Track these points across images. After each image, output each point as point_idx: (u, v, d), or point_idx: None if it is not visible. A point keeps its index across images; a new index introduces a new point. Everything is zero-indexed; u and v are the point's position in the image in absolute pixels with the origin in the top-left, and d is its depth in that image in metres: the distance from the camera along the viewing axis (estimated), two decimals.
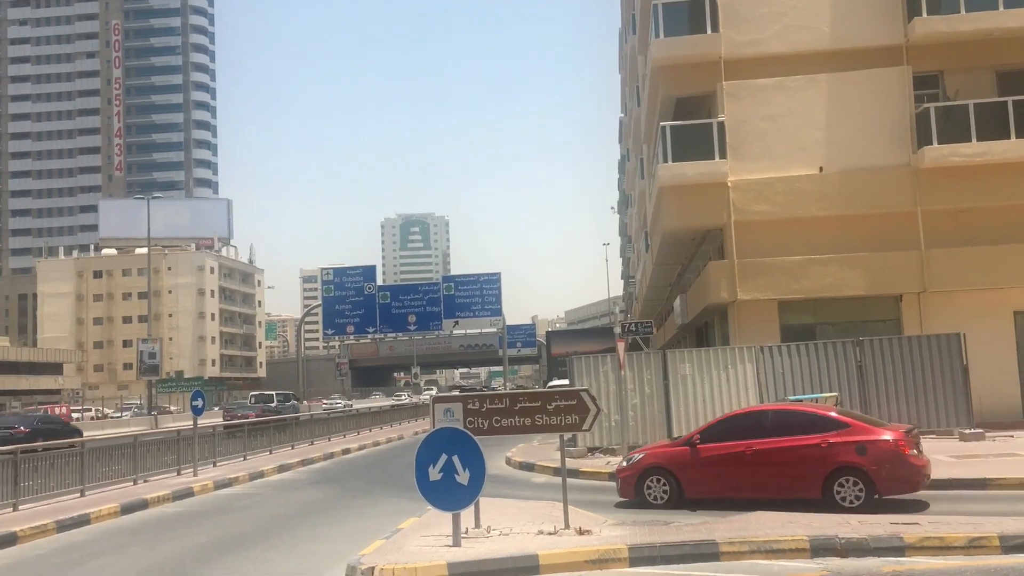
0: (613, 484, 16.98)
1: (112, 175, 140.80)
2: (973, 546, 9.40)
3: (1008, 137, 23.49)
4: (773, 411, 13.81)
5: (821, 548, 9.61)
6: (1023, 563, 8.81)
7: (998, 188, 23.76)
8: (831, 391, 18.93)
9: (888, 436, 12.51)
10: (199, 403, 21.58)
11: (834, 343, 21.24)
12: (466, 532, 10.61)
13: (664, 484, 13.41)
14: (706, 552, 9.67)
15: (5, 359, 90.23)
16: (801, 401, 16.54)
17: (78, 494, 17.23)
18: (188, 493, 17.96)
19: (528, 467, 20.33)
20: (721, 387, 20.68)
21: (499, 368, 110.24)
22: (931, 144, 23.66)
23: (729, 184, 24.60)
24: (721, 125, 24.63)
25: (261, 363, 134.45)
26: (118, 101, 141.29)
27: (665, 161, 24.77)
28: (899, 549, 9.47)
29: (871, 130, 24.52)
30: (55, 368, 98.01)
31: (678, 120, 26.56)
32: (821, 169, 24.55)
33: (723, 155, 24.44)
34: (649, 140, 32.24)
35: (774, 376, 20.78)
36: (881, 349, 20.86)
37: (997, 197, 23.87)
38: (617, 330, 26.26)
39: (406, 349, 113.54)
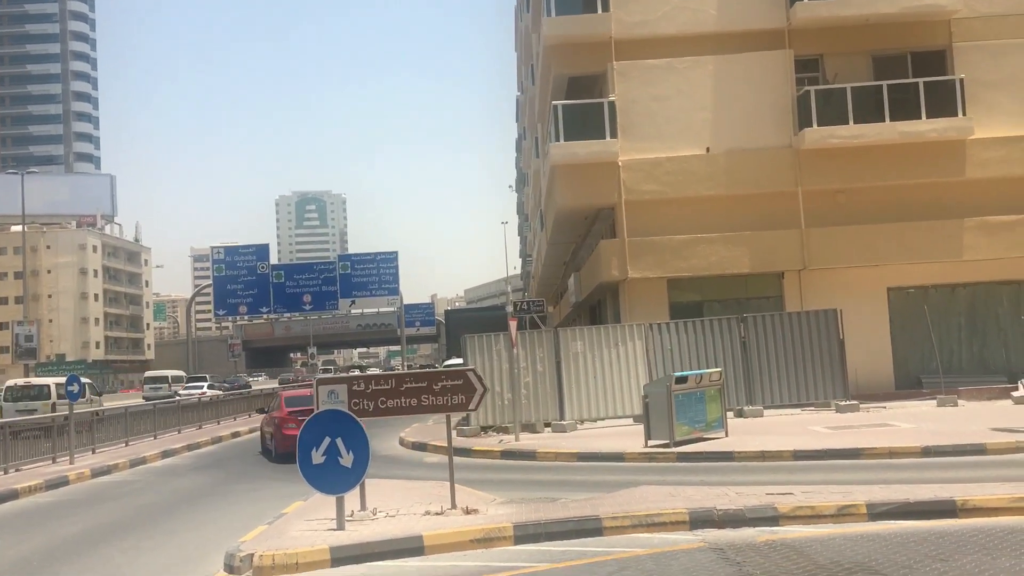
0: (505, 462, 17.15)
1: None
2: (842, 514, 9.77)
3: (883, 120, 24.44)
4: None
5: (700, 520, 9.83)
6: (888, 529, 9.20)
7: (873, 169, 24.73)
8: (716, 367, 19.44)
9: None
10: (75, 388, 20.67)
11: (720, 320, 21.83)
12: (351, 515, 10.46)
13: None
14: (590, 528, 9.77)
15: None
16: (687, 378, 16.92)
17: None
18: (63, 482, 17.21)
19: (421, 447, 20.23)
20: (612, 364, 21.01)
21: (398, 348, 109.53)
22: (811, 126, 24.43)
23: (620, 163, 24.89)
24: (612, 105, 24.87)
25: (149, 345, 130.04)
26: None
27: (557, 140, 24.88)
28: (773, 519, 9.77)
29: (755, 112, 25.15)
30: None
31: (570, 99, 26.67)
32: (708, 149, 25.07)
33: (614, 135, 24.69)
34: (543, 119, 32.33)
35: (662, 352, 21.24)
36: (764, 325, 21.55)
37: (873, 178, 24.85)
38: (509, 309, 26.32)
39: (302, 329, 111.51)
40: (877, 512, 9.75)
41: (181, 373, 62.96)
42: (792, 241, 24.76)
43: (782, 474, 13.22)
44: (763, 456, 15.10)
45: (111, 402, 35.96)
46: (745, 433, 17.55)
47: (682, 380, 16.73)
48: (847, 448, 15.02)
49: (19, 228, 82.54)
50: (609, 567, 8.28)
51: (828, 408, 21.02)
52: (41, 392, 30.49)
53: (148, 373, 64.50)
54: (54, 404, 26.99)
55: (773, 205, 24.92)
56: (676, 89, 25.12)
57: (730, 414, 18.78)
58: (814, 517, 9.77)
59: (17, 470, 18.63)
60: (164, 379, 59.92)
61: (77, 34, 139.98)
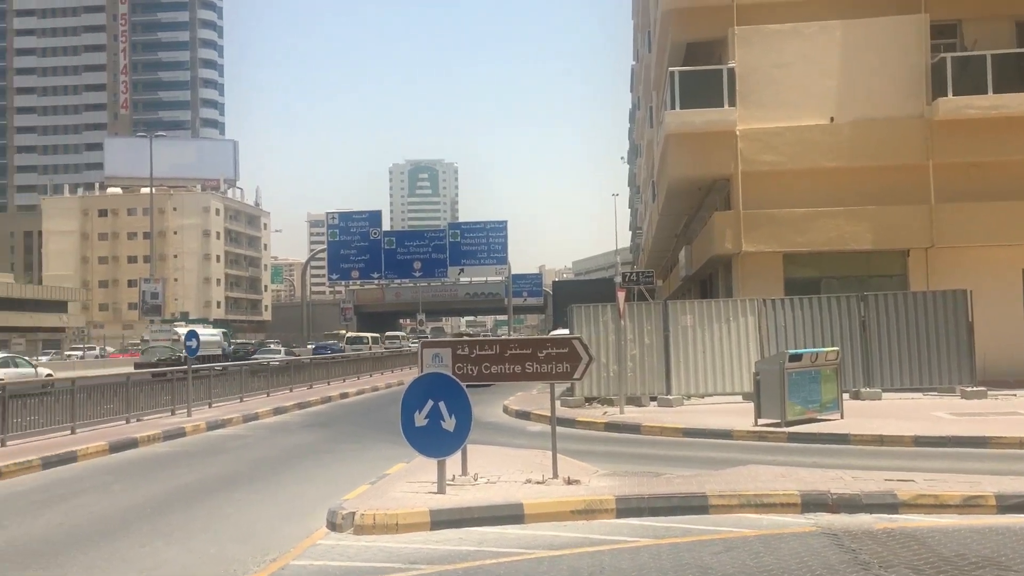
0: (609, 434, 16.90)
1: (118, 113, 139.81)
2: (968, 505, 9.15)
3: None
4: None
5: (812, 503, 9.38)
6: (1019, 523, 8.56)
7: (1013, 142, 23.19)
8: (833, 346, 18.63)
9: None
10: (193, 343, 21.40)
11: (838, 297, 20.89)
12: (452, 479, 10.41)
13: None
14: (695, 505, 9.45)
15: (9, 296, 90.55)
16: (801, 356, 16.26)
17: (69, 431, 17.13)
18: (180, 433, 17.85)
19: (524, 415, 20.16)
20: (722, 339, 20.41)
21: (505, 317, 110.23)
22: (946, 95, 23.03)
23: (737, 133, 24.05)
24: (731, 72, 24.00)
25: (266, 306, 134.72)
26: (124, 38, 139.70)
27: (673, 108, 24.20)
28: (892, 506, 9.23)
29: (885, 80, 23.87)
30: (59, 306, 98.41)
31: (688, 66, 25.89)
32: (832, 119, 23.97)
33: (732, 103, 23.85)
34: (658, 87, 31.58)
35: (775, 329, 20.48)
36: (886, 305, 20.52)
37: (1011, 151, 23.31)
38: (618, 279, 25.91)
39: (411, 296, 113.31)
40: (1008, 504, 9.09)
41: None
42: (920, 217, 23.49)
43: (901, 460, 12.54)
44: (881, 440, 14.38)
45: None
46: (861, 416, 16.78)
47: (796, 358, 16.07)
48: (973, 436, 14.13)
49: (148, 190, 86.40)
50: (715, 547, 7.95)
51: (952, 394, 19.91)
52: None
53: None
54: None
55: (900, 178, 23.68)
56: (800, 55, 24.05)
57: (846, 396, 17.96)
58: (937, 507, 9.19)
59: (138, 420, 19.45)
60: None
61: (205, 3, 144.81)
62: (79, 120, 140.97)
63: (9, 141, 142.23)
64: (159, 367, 32.74)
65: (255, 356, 42.00)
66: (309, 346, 55.27)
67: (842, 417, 16.45)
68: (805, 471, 11.05)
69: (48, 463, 13.87)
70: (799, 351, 16.83)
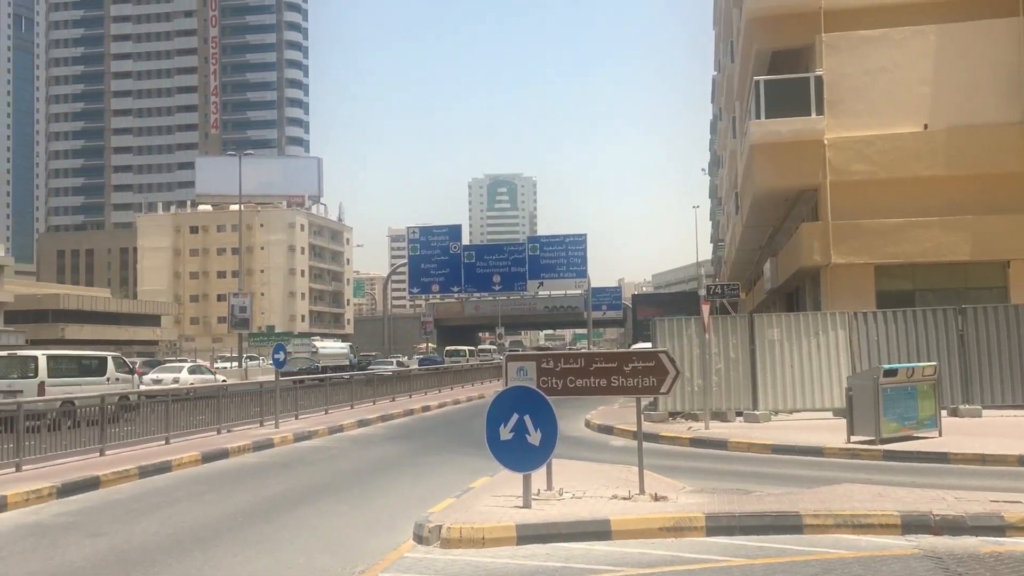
0: (694, 450, 16.58)
1: (208, 133, 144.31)
2: None
3: None
4: None
5: (913, 524, 9.01)
6: None
7: None
8: (928, 361, 17.94)
9: None
10: (280, 356, 21.82)
11: (934, 311, 20.13)
12: (537, 494, 10.32)
13: None
14: (788, 524, 9.16)
15: (107, 310, 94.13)
16: (897, 371, 15.70)
17: (163, 441, 17.61)
18: (268, 444, 18.18)
19: (607, 430, 19.96)
20: (811, 354, 19.86)
21: (583, 331, 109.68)
22: None
23: (826, 142, 23.49)
24: (819, 79, 23.48)
25: (349, 320, 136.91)
26: (214, 60, 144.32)
27: (758, 118, 23.79)
28: (999, 528, 8.81)
29: (981, 85, 23.06)
30: (153, 320, 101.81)
31: (773, 75, 25.42)
32: (926, 126, 23.22)
33: (820, 111, 23.33)
34: (742, 97, 31.10)
35: (868, 344, 19.85)
36: (986, 318, 19.70)
37: None
38: (702, 292, 25.49)
39: (491, 309, 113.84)
40: None
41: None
42: (1021, 226, 22.52)
43: (1006, 480, 11.98)
44: (983, 460, 13.77)
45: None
46: (961, 434, 16.11)
47: (891, 373, 15.53)
48: None
49: (236, 207, 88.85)
50: (812, 568, 7.68)
51: None
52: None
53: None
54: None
55: (999, 186, 22.81)
56: (891, 61, 23.40)
57: (943, 413, 17.29)
58: None
59: (229, 431, 19.89)
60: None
61: (291, 24, 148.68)
62: (172, 140, 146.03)
63: (107, 162, 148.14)
64: (299, 375, 37.07)
65: (371, 367, 44.85)
66: (416, 357, 60.09)
67: (940, 435, 15.83)
68: (904, 491, 10.63)
69: (145, 472, 14.26)
70: (894, 366, 16.27)
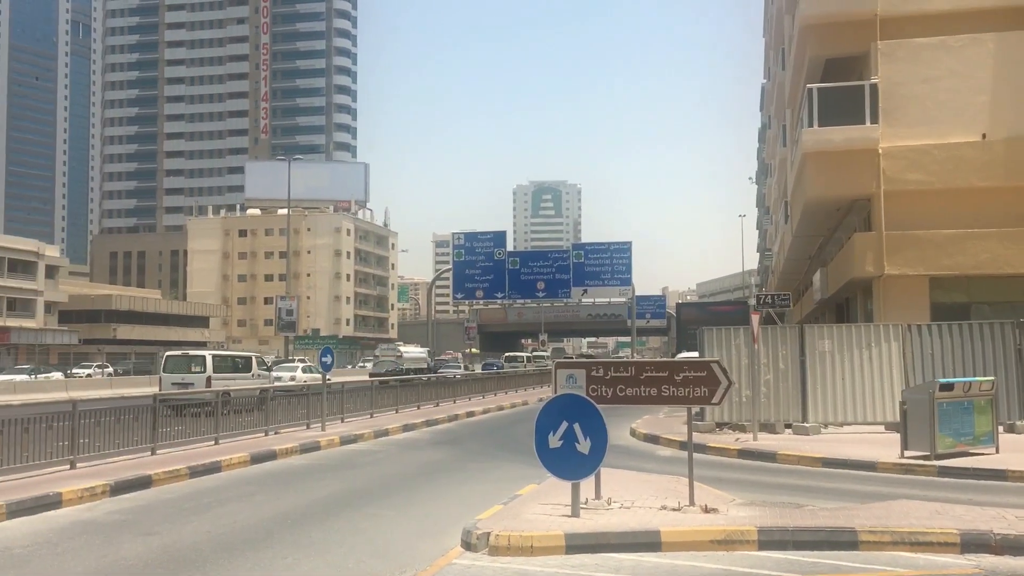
0: (742, 462, 16.36)
1: (258, 138, 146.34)
2: None
3: None
4: None
5: (973, 543, 8.78)
6: None
7: None
8: (986, 375, 17.51)
9: None
10: (328, 359, 21.98)
11: (991, 324, 19.64)
12: (585, 503, 10.25)
13: None
14: (843, 540, 8.97)
15: (158, 311, 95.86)
16: (953, 385, 15.34)
17: (212, 442, 17.83)
18: (315, 447, 18.31)
19: (653, 439, 19.79)
20: (863, 366, 19.50)
21: (627, 339, 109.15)
22: None
23: (880, 151, 23.10)
24: (874, 87, 23.11)
25: (393, 324, 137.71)
26: (265, 66, 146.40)
27: (810, 126, 23.47)
28: None
29: None
30: (202, 321, 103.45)
31: (826, 83, 25.07)
32: (984, 136, 22.72)
33: (875, 120, 22.95)
34: (793, 105, 30.73)
35: (921, 357, 19.43)
36: None
37: None
38: (752, 302, 25.18)
39: (534, 316, 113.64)
40: None
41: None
42: None
43: None
44: None
45: (340, 377, 39.82)
46: (1018, 451, 15.69)
47: (947, 387, 15.18)
48: None
49: (285, 211, 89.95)
50: None
51: None
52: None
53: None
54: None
55: None
56: (948, 70, 22.94)
57: (1000, 429, 16.85)
58: None
59: (276, 433, 20.08)
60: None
61: (340, 31, 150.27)
62: (223, 145, 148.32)
63: (159, 165, 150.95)
64: (386, 376, 40.30)
65: (440, 371, 48.47)
66: (483, 363, 64.78)
67: (997, 451, 15.44)
68: (962, 508, 10.37)
69: (195, 472, 14.43)
70: (951, 380, 15.91)
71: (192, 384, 24.99)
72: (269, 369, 29.86)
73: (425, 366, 52.90)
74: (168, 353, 28.68)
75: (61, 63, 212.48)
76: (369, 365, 61.32)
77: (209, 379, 25.26)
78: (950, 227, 22.64)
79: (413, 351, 62.21)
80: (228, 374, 26.39)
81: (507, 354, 71.48)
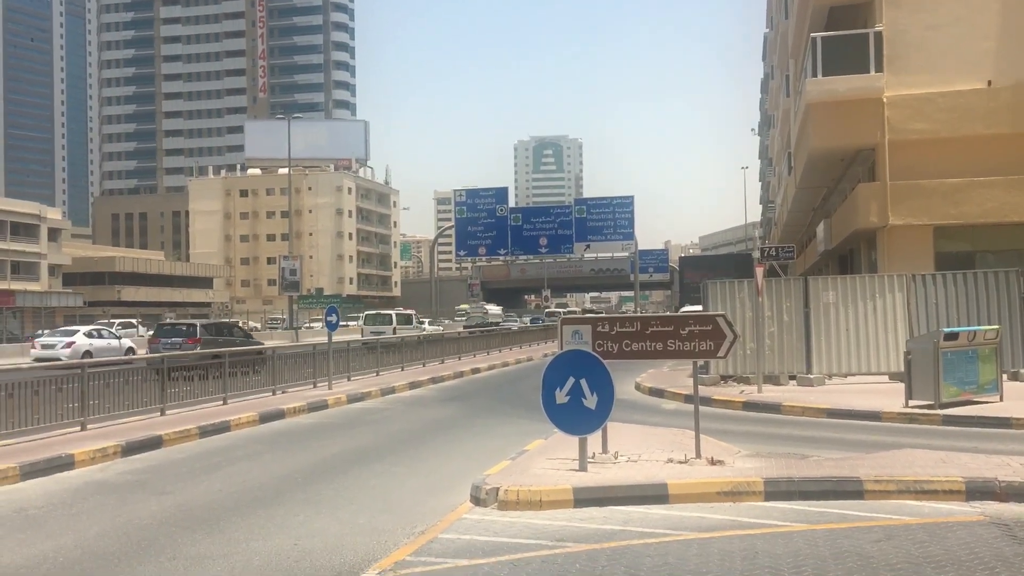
0: (747, 414, 16.46)
1: (256, 97, 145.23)
2: None
3: None
4: None
5: (978, 491, 8.85)
6: None
7: None
8: (991, 324, 17.53)
9: None
10: (333, 318, 22.05)
11: (995, 273, 19.62)
12: (592, 457, 10.33)
13: None
14: (849, 490, 9.05)
15: (161, 272, 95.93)
16: (957, 334, 15.37)
17: (221, 402, 17.95)
18: (322, 405, 18.43)
19: (658, 393, 19.90)
20: (867, 317, 19.53)
21: (630, 293, 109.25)
22: None
23: (884, 100, 22.90)
24: (878, 35, 22.83)
25: (396, 283, 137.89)
26: (261, 23, 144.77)
27: (814, 75, 23.22)
28: None
29: None
30: (206, 282, 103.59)
31: (830, 31, 24.76)
32: (990, 83, 22.50)
33: (879, 68, 22.71)
34: (797, 54, 30.38)
35: (926, 307, 19.44)
36: None
37: None
38: (756, 254, 25.15)
39: (537, 272, 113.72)
40: None
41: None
42: None
43: None
44: None
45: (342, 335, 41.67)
46: (1023, 398, 15.76)
47: (952, 337, 15.21)
48: None
49: (285, 170, 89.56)
50: (874, 534, 7.59)
51: None
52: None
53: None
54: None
55: None
56: (954, 16, 22.65)
57: (1004, 377, 16.91)
58: None
59: (284, 392, 20.20)
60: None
61: None
62: (221, 104, 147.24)
63: (158, 126, 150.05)
64: (475, 328, 49.52)
65: (503, 324, 59.99)
66: (525, 319, 77.27)
67: (1001, 399, 15.52)
68: (967, 456, 10.44)
69: (205, 432, 14.56)
70: (955, 329, 15.94)
71: (383, 333, 37.29)
72: (420, 322, 40.66)
73: (499, 321, 66.90)
74: (367, 312, 45.57)
75: (56, 23, 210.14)
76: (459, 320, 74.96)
77: (395, 330, 38.70)
78: (955, 176, 22.52)
79: (494, 309, 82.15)
80: (403, 326, 39.56)
81: (547, 310, 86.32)
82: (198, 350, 23.55)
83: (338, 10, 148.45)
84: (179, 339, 26.04)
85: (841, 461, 10.36)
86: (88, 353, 32.16)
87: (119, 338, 37.00)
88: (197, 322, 28.72)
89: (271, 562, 7.24)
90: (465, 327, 51.37)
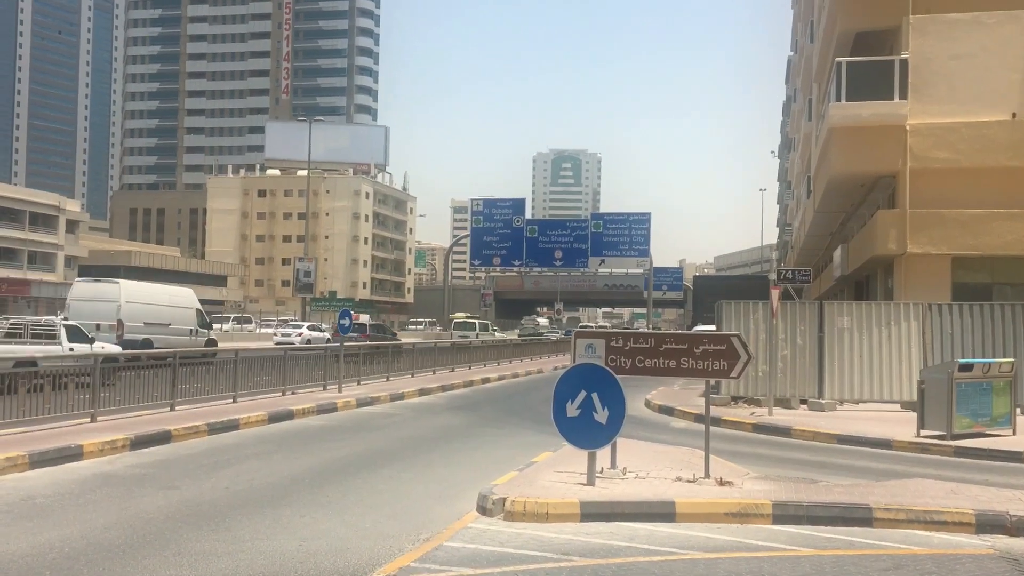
0: (757, 436, 16.38)
1: (279, 98, 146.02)
2: None
3: None
4: None
5: (988, 524, 8.78)
6: None
7: None
8: (1006, 357, 17.40)
9: None
10: (345, 322, 22.08)
11: (1012, 305, 19.50)
12: (601, 472, 10.29)
13: None
14: (858, 516, 8.99)
15: (176, 269, 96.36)
16: (972, 366, 15.26)
17: (231, 400, 17.99)
18: (332, 408, 18.44)
19: (668, 411, 19.84)
20: (882, 344, 19.43)
21: (643, 310, 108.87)
22: None
23: (908, 127, 22.81)
24: (904, 63, 22.76)
25: (409, 289, 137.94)
26: (287, 25, 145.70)
27: (838, 100, 23.17)
28: None
29: None
30: (220, 280, 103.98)
31: (855, 56, 24.71)
32: (1014, 115, 22.38)
33: (903, 95, 22.63)
34: (820, 79, 30.34)
35: (941, 336, 19.32)
36: None
37: None
38: (772, 276, 25.07)
39: (550, 284, 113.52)
40: None
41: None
42: None
43: None
44: None
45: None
46: None
47: (967, 368, 15.11)
48: None
49: (304, 172, 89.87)
50: (882, 562, 7.53)
51: None
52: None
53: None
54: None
55: None
56: (981, 46, 22.56)
57: (1017, 411, 16.77)
58: None
59: (293, 393, 20.23)
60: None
61: None
62: (243, 104, 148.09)
63: (180, 123, 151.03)
64: (529, 336, 58.62)
65: (545, 335, 64.21)
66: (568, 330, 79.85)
67: (1014, 433, 15.39)
68: (978, 488, 10.37)
69: (214, 429, 14.58)
70: (970, 360, 15.83)
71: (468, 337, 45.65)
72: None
73: (545, 332, 72.96)
74: (455, 320, 53.86)
75: (84, 16, 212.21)
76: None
77: (478, 334, 46.67)
78: (976, 207, 22.40)
79: (543, 321, 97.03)
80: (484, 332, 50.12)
81: (581, 324, 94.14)
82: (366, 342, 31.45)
83: (364, 15, 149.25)
84: (356, 334, 34.16)
85: (851, 488, 10.29)
86: (308, 341, 46.06)
87: (323, 331, 51.06)
88: (366, 322, 42.20)
89: (275, 561, 7.23)
90: (519, 335, 62.11)
